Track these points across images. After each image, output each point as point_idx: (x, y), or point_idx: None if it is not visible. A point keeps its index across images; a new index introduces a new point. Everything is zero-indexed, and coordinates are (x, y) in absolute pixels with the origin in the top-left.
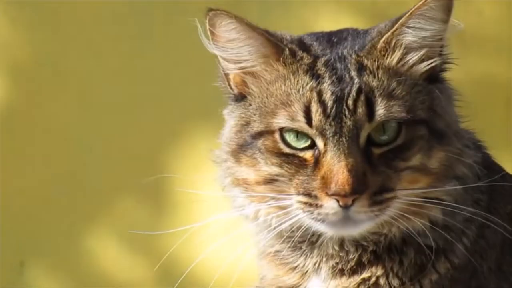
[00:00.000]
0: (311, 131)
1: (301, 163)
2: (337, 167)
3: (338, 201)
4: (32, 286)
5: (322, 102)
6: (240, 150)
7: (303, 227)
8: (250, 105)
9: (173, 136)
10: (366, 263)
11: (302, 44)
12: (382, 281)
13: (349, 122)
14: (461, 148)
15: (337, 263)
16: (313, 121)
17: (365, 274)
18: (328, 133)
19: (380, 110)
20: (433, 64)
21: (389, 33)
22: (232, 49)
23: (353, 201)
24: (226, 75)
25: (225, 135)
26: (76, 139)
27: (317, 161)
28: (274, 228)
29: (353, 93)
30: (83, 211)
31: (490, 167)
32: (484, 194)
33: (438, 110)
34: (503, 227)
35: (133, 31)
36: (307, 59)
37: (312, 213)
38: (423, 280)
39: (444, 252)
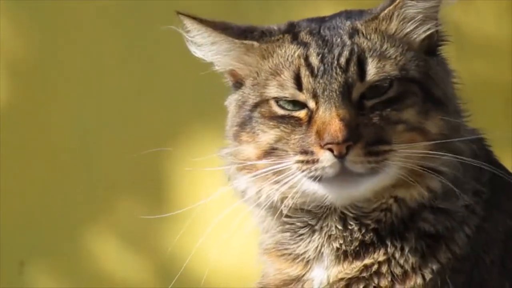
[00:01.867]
0: (302, 96)
1: (296, 122)
2: (329, 118)
3: (332, 151)
4: (32, 286)
5: (309, 65)
6: (240, 129)
7: (303, 199)
8: (246, 87)
9: (173, 136)
10: (369, 243)
11: (289, 26)
12: (384, 268)
13: (339, 79)
14: (459, 122)
15: (340, 245)
16: (302, 84)
17: (367, 260)
18: (318, 91)
19: (372, 70)
20: (429, 31)
21: (391, 6)
22: (211, 51)
23: (348, 149)
24: (219, 69)
25: (227, 124)
26: (76, 139)
27: (310, 119)
28: (277, 207)
29: (346, 52)
30: (83, 211)
31: (492, 162)
32: (486, 186)
33: (434, 78)
34: (506, 223)
35: (133, 31)
36: (287, 35)
37: (310, 170)
38: (424, 269)
39: (445, 240)
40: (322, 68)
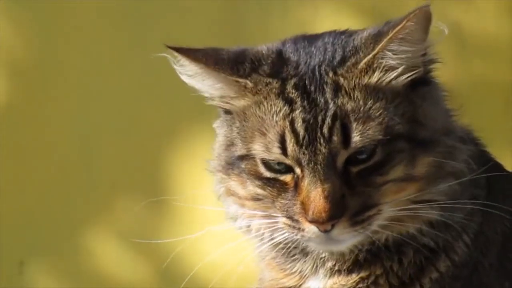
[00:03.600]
0: (287, 161)
1: (282, 187)
2: (313, 194)
3: (317, 226)
4: (32, 286)
5: (294, 131)
6: (229, 167)
7: (294, 241)
8: (234, 123)
9: (173, 136)
10: (363, 262)
11: (278, 59)
12: (381, 280)
13: (324, 150)
14: (452, 144)
15: (333, 265)
16: (287, 151)
17: (364, 273)
18: (302, 161)
19: (356, 137)
20: (415, 75)
21: (370, 56)
22: (198, 83)
23: (333, 225)
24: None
25: (216, 149)
26: (76, 139)
27: (296, 185)
28: (268, 241)
29: (328, 119)
30: (83, 211)
31: (485, 160)
32: (483, 189)
33: (421, 120)
34: (503, 222)
35: (134, 31)
36: (275, 83)
37: (296, 234)
38: (423, 279)
39: (445, 250)
40: (306, 137)
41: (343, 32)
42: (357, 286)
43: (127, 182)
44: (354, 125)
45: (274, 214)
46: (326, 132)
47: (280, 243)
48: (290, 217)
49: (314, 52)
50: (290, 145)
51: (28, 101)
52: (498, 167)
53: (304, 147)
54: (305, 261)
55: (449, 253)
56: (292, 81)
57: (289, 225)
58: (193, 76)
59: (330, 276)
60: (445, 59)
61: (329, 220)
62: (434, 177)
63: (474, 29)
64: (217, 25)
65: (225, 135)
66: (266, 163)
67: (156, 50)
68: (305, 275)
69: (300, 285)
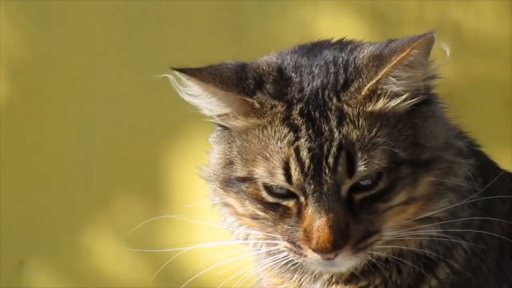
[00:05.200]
0: (291, 188)
1: (285, 212)
2: (318, 223)
3: (321, 255)
4: (32, 286)
5: (299, 160)
6: (227, 184)
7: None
8: (233, 141)
9: (173, 136)
10: (361, 272)
11: (279, 78)
12: None
13: (329, 180)
14: (452, 159)
15: (331, 277)
16: (292, 179)
17: (362, 283)
18: (307, 190)
19: (361, 166)
20: (418, 101)
21: (373, 81)
22: (202, 102)
23: (336, 254)
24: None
25: (212, 163)
26: (76, 139)
27: (299, 211)
28: (264, 258)
29: (333, 149)
30: (83, 211)
31: (485, 168)
32: (480, 195)
33: (423, 142)
34: (500, 226)
35: (134, 31)
36: (280, 107)
37: (298, 258)
38: (422, 286)
39: (444, 257)
40: (312, 166)
41: (342, 47)
42: None
43: (127, 182)
44: (359, 154)
45: (275, 235)
46: (331, 162)
47: (278, 258)
48: (292, 242)
49: (316, 72)
50: (296, 174)
51: (28, 101)
52: (497, 173)
53: (309, 177)
54: (303, 272)
55: (448, 260)
56: (298, 107)
57: (291, 249)
58: (197, 96)
59: (329, 284)
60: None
61: (333, 250)
62: (434, 195)
63: (474, 29)
64: (217, 25)
65: (223, 152)
66: (268, 188)
67: (156, 50)
68: (304, 284)
69: None
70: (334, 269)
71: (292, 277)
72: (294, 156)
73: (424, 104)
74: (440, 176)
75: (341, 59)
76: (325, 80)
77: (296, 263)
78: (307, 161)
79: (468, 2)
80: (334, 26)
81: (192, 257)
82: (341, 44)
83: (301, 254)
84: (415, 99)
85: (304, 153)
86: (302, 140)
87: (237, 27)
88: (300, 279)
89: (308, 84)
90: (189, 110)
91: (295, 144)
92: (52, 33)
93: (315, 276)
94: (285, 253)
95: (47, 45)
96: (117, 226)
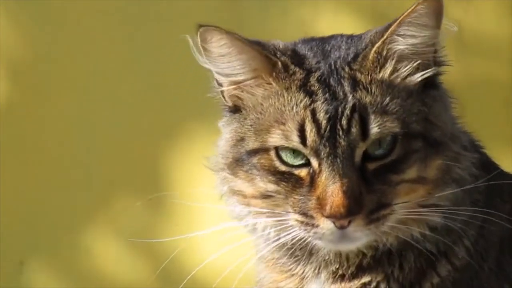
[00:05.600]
0: (306, 151)
1: (297, 182)
2: (331, 188)
3: (334, 222)
4: (32, 286)
5: (316, 121)
6: (236, 164)
7: (301, 240)
8: (245, 119)
9: (172, 135)
10: (366, 267)
11: (295, 55)
12: (382, 286)
13: (343, 143)
14: (457, 151)
15: (337, 269)
16: (307, 141)
17: (365, 279)
18: (322, 153)
19: (374, 128)
20: (427, 74)
21: (379, 42)
22: (224, 64)
23: (349, 222)
24: (220, 87)
25: (221, 146)
26: (76, 139)
27: (312, 180)
28: (273, 241)
29: (347, 111)
30: (83, 211)
31: (487, 167)
32: (482, 194)
33: (433, 120)
34: (501, 225)
35: (134, 30)
36: (299, 74)
37: (309, 231)
38: (424, 284)
39: (445, 254)
40: (328, 129)
41: (352, 35)
42: None
43: (126, 182)
44: (372, 117)
45: (284, 212)
46: (345, 124)
47: (285, 243)
48: (303, 213)
49: (329, 50)
50: (311, 135)
51: (28, 101)
52: (498, 173)
53: (324, 139)
54: (308, 263)
55: (450, 257)
56: (316, 74)
57: (302, 222)
58: (222, 55)
59: (332, 282)
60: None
61: (347, 216)
62: (441, 182)
63: (474, 29)
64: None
65: (234, 131)
66: (281, 158)
67: (156, 50)
68: (306, 278)
69: None
70: (346, 245)
71: (295, 270)
72: (310, 118)
73: (433, 88)
74: (447, 162)
75: (352, 40)
76: (338, 55)
77: (302, 249)
78: (323, 122)
79: (468, 2)
80: (334, 26)
81: (192, 255)
82: (351, 34)
83: (312, 225)
84: (424, 72)
85: (321, 115)
86: (319, 102)
87: (237, 27)
88: (303, 271)
89: (323, 59)
90: (189, 111)
91: (312, 107)
92: (52, 33)
93: (319, 269)
94: (294, 232)
95: (47, 45)
96: (117, 226)
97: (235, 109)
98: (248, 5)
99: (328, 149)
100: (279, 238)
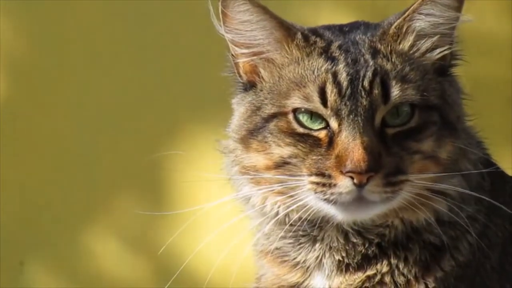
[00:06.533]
0: (326, 112)
1: (315, 143)
2: (352, 145)
3: (352, 178)
4: (32, 286)
5: (337, 83)
6: (250, 135)
7: (309, 214)
8: (261, 90)
9: (173, 136)
10: (371, 257)
11: (314, 31)
12: (387, 278)
13: (365, 102)
14: (467, 145)
15: (343, 257)
16: (328, 102)
17: (370, 272)
18: (343, 112)
19: (395, 91)
20: (444, 52)
21: (400, 19)
22: (244, 32)
23: (368, 179)
24: (236, 63)
25: (233, 123)
26: (76, 139)
27: (331, 141)
28: (282, 220)
29: (369, 74)
30: (83, 211)
31: (490, 166)
32: (486, 193)
33: (449, 101)
34: (504, 227)
35: (134, 30)
36: (320, 43)
37: (325, 193)
38: (427, 278)
39: (449, 249)
40: (349, 89)
41: (369, 22)
42: (363, 286)
43: (126, 182)
44: (393, 82)
45: (298, 177)
46: (367, 85)
47: (292, 225)
48: (321, 173)
49: (347, 30)
50: (332, 96)
51: (28, 101)
52: (501, 172)
53: (346, 98)
54: (311, 250)
55: (454, 252)
56: (337, 43)
57: (318, 183)
58: (244, 22)
59: (336, 274)
60: None
61: (367, 172)
62: (450, 169)
63: (474, 29)
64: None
65: (249, 103)
66: (299, 120)
67: (156, 50)
68: (310, 269)
69: (303, 282)
70: (361, 211)
71: (298, 258)
72: (331, 80)
73: (449, 76)
74: (457, 151)
75: (369, 24)
76: (357, 33)
77: (306, 236)
78: (344, 83)
79: (468, 2)
80: None
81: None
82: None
83: (330, 185)
84: (443, 49)
85: (342, 76)
86: (340, 66)
87: None
88: (306, 259)
89: (343, 35)
90: (190, 112)
91: (333, 70)
92: (52, 33)
93: (322, 258)
94: (307, 199)
95: (47, 45)
96: (117, 226)
97: (250, 86)
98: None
99: (349, 107)
100: (288, 216)
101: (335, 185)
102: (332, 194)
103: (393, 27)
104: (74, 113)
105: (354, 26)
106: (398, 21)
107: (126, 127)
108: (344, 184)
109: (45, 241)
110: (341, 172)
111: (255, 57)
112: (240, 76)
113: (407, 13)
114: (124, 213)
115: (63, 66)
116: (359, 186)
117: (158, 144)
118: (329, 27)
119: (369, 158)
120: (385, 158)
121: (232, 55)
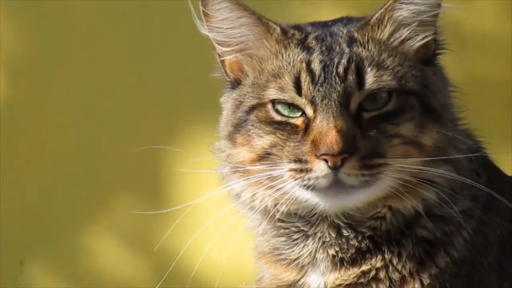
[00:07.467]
0: (301, 100)
1: (293, 130)
2: (326, 128)
3: (327, 162)
4: (32, 286)
5: (310, 71)
6: (235, 130)
7: (297, 206)
8: (244, 86)
9: (172, 135)
10: (365, 251)
11: (295, 26)
12: (381, 274)
13: (339, 88)
14: (453, 133)
15: (337, 252)
16: (302, 90)
17: (365, 267)
18: (317, 99)
19: (370, 78)
20: (426, 39)
21: (382, 10)
22: (225, 30)
23: (343, 161)
24: (222, 62)
25: (222, 121)
26: (76, 139)
27: (307, 127)
28: (271, 213)
29: (344, 61)
30: (83, 211)
31: (487, 166)
32: (483, 191)
33: (431, 87)
34: (502, 225)
35: (133, 31)
36: (298, 35)
37: (303, 179)
38: (422, 274)
39: (443, 245)
40: (322, 76)
41: (353, 17)
42: (358, 281)
43: (126, 182)
44: (368, 69)
45: (280, 165)
46: (341, 71)
47: (284, 221)
48: (298, 160)
49: (330, 24)
50: (305, 84)
51: (28, 101)
52: (499, 173)
53: (319, 85)
54: (305, 246)
55: (448, 248)
56: (314, 34)
57: (296, 169)
58: (223, 20)
59: (331, 270)
60: (445, 59)
61: (340, 153)
62: (437, 154)
63: (474, 29)
64: None
65: (234, 99)
66: (277, 110)
67: (155, 50)
68: (304, 266)
69: (299, 280)
70: (342, 198)
71: (292, 254)
72: (305, 69)
73: (433, 65)
74: (443, 138)
75: (352, 18)
76: (339, 25)
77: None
78: (317, 70)
79: (468, 2)
80: None
81: (192, 256)
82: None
83: (306, 171)
84: (424, 35)
85: (315, 64)
86: (314, 55)
87: None
88: (300, 255)
89: (323, 28)
90: (188, 111)
91: (307, 59)
92: (52, 33)
93: (316, 253)
94: (288, 186)
95: (47, 45)
96: (117, 226)
97: (236, 83)
98: (248, 5)
99: (322, 94)
100: (277, 209)
101: (311, 169)
102: (309, 179)
103: (374, 18)
104: (74, 113)
105: (337, 21)
106: (380, 11)
107: (126, 127)
108: (319, 167)
109: (45, 241)
110: (316, 156)
111: (238, 54)
112: (227, 74)
113: (388, 3)
114: (124, 213)
115: (63, 66)
116: (334, 168)
117: (158, 143)
118: (313, 23)
119: (342, 140)
120: (361, 141)
121: (218, 54)
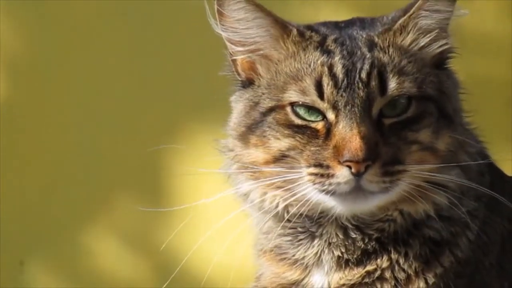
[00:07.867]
0: (322, 105)
1: (313, 134)
2: (349, 134)
3: (350, 168)
4: (32, 286)
5: (333, 75)
6: (249, 131)
7: (308, 208)
8: (259, 86)
9: (173, 134)
10: (371, 252)
11: (309, 27)
12: (387, 274)
13: (362, 94)
14: (464, 136)
15: (342, 253)
16: (324, 94)
17: (370, 267)
18: (339, 104)
19: (392, 84)
20: (444, 47)
21: (405, 17)
22: (240, 30)
23: (366, 168)
24: (234, 61)
25: (232, 121)
26: (76, 139)
27: (328, 132)
28: (281, 214)
29: (367, 66)
30: (83, 211)
31: (491, 165)
32: (485, 192)
33: (446, 92)
34: (502, 225)
35: (134, 29)
36: (316, 37)
37: (323, 184)
38: (427, 273)
39: (449, 245)
40: (345, 81)
41: (365, 18)
42: (363, 281)
43: (127, 182)
44: (390, 75)
45: (297, 169)
46: (364, 77)
47: (291, 221)
48: (319, 164)
49: (343, 26)
50: (328, 88)
51: (28, 101)
52: (500, 174)
53: (342, 90)
54: (311, 246)
55: (453, 248)
56: (332, 37)
57: (316, 174)
58: (239, 20)
59: (336, 270)
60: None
61: (364, 160)
62: (448, 161)
63: (474, 29)
64: None
65: (248, 99)
66: (297, 113)
67: (155, 50)
68: (309, 266)
69: (303, 279)
70: (360, 203)
71: (296, 255)
72: (327, 73)
73: (445, 69)
74: (455, 143)
75: (365, 20)
76: (354, 27)
77: (305, 232)
78: (340, 75)
79: (468, 2)
80: None
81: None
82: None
83: (328, 176)
84: (442, 43)
85: (338, 69)
86: (336, 58)
87: None
88: (305, 256)
89: (338, 30)
90: (189, 110)
91: (329, 62)
92: (52, 33)
93: (321, 254)
94: (306, 190)
95: (47, 45)
96: (117, 226)
97: (248, 83)
98: None
99: (345, 99)
100: (287, 211)
101: (333, 175)
102: (330, 184)
103: (398, 24)
104: (74, 113)
105: (349, 22)
106: (403, 18)
107: (126, 127)
108: (342, 173)
109: (45, 241)
110: (339, 162)
111: (252, 54)
112: (238, 73)
113: (412, 11)
114: (124, 213)
115: (63, 66)
116: (357, 175)
117: (158, 143)
118: (324, 24)
119: (366, 147)
120: (382, 148)
121: (230, 53)
